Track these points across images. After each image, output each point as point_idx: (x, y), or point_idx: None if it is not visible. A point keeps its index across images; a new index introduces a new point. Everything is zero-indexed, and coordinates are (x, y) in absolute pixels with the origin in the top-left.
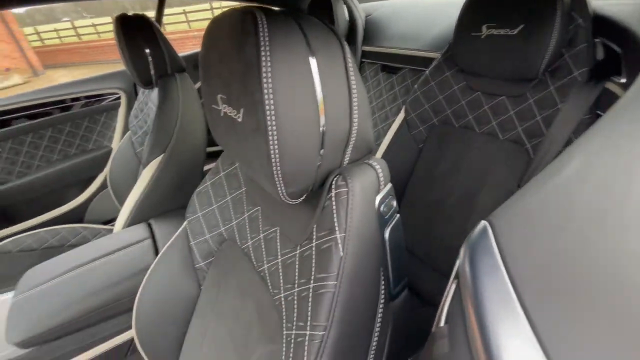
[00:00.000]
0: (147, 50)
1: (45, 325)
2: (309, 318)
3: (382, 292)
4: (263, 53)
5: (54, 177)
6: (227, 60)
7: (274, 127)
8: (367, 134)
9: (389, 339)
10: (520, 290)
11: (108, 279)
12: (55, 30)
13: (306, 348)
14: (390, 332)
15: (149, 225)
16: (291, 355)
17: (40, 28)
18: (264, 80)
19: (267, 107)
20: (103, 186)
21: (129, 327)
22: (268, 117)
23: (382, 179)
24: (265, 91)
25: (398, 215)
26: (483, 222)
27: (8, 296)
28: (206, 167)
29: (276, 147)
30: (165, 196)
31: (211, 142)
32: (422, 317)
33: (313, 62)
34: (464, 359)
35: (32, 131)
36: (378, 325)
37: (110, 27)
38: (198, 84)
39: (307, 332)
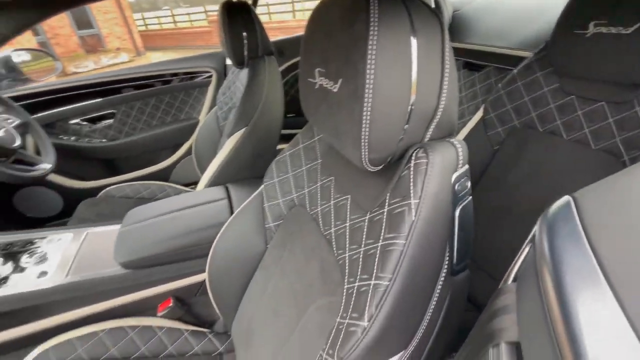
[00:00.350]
0: (244, 34)
1: (141, 253)
2: (375, 271)
3: (446, 263)
4: (372, 29)
5: (152, 139)
6: (333, 35)
7: (370, 95)
8: (451, 115)
9: (441, 318)
10: (602, 260)
11: (190, 226)
12: (157, 17)
13: (369, 295)
14: (445, 310)
15: (227, 189)
16: (352, 303)
17: (146, 15)
18: (369, 52)
19: (367, 77)
20: (187, 153)
21: (203, 271)
22: (367, 86)
23: (461, 158)
24: (369, 62)
25: (470, 197)
26: (566, 197)
27: (116, 227)
28: (278, 147)
29: (368, 113)
30: (243, 165)
31: (285, 125)
32: (468, 321)
33: (414, 42)
34: (532, 310)
35: (140, 99)
36: (437, 294)
37: (201, 15)
38: (281, 68)
39: (372, 282)
